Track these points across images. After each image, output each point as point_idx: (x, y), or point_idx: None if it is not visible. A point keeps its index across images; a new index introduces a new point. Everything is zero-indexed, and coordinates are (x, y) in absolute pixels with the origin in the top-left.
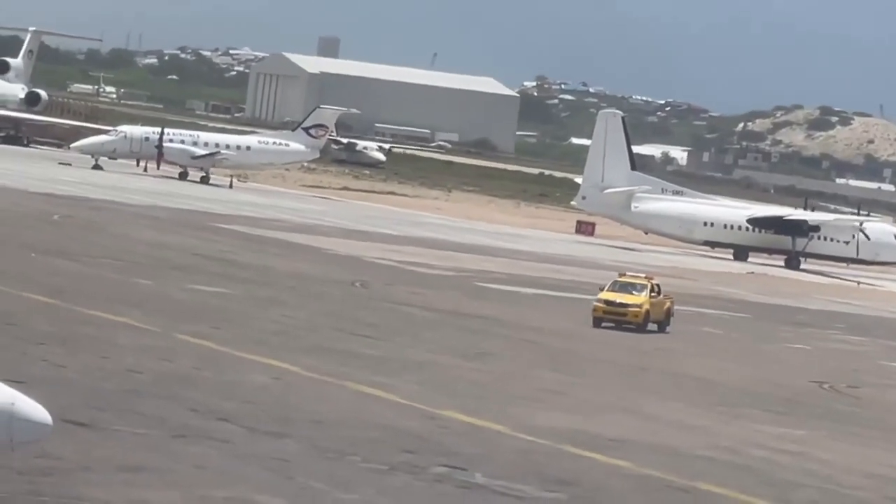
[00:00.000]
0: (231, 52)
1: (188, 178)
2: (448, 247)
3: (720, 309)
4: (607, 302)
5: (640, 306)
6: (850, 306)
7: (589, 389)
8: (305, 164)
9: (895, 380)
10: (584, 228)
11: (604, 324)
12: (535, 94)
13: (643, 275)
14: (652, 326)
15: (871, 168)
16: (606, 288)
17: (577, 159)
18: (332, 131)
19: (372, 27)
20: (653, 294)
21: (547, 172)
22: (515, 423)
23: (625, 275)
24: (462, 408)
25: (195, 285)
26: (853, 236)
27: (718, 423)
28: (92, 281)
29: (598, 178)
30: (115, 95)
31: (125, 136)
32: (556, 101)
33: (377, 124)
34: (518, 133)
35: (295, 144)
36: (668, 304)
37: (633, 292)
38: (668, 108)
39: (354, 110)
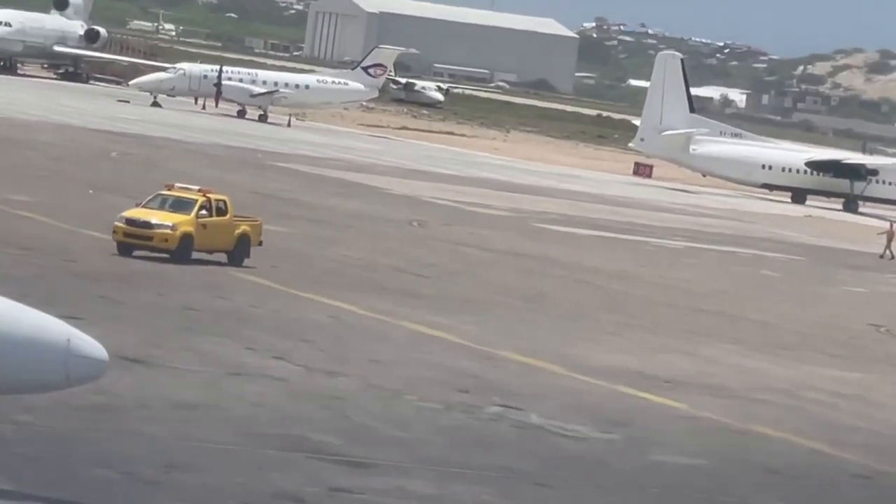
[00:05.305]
0: None
1: (246, 117)
2: (505, 187)
3: (778, 252)
4: (130, 221)
5: (173, 228)
6: None
7: (645, 331)
8: (364, 103)
9: None
10: (642, 170)
11: (135, 252)
12: (595, 35)
13: (197, 187)
14: (220, 257)
15: None
16: (142, 203)
17: (635, 101)
18: (390, 71)
19: None
20: (204, 213)
21: (605, 114)
22: (571, 363)
23: (172, 187)
24: (518, 348)
25: None
26: None
27: (774, 365)
28: None
29: (656, 121)
30: (174, 33)
31: (184, 74)
32: (614, 42)
33: (436, 64)
34: (577, 74)
35: (354, 84)
36: (242, 229)
37: (175, 210)
38: (727, 51)
39: (413, 50)
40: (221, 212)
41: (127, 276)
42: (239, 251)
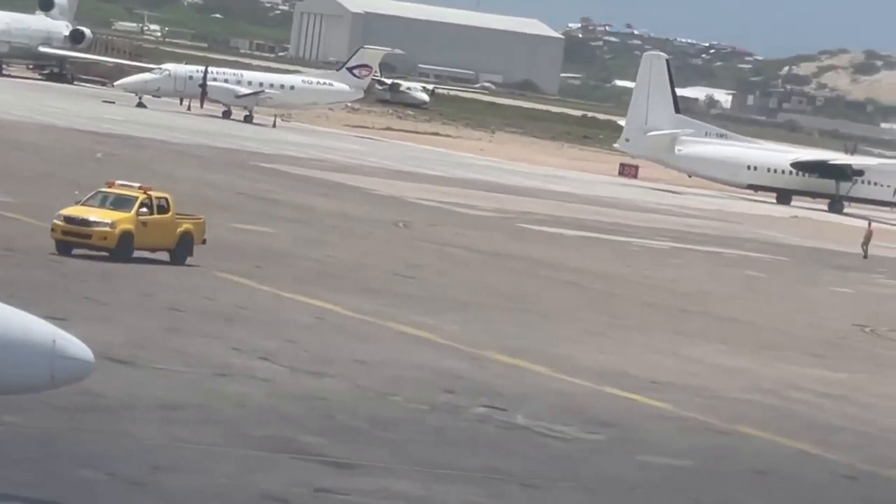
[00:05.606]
0: None
1: (231, 117)
2: (491, 188)
3: (763, 252)
4: (69, 219)
5: (112, 226)
6: (893, 251)
7: (630, 331)
8: (349, 104)
9: None
10: (628, 171)
11: (75, 250)
12: (580, 35)
13: (137, 185)
14: (162, 255)
15: None
16: (82, 201)
17: (620, 101)
18: (375, 71)
19: None
20: (145, 211)
21: (590, 114)
22: (556, 364)
23: (113, 184)
24: (503, 349)
25: (238, 224)
26: None
27: (760, 365)
28: None
29: (641, 121)
30: (159, 33)
31: (169, 75)
32: (600, 42)
33: (421, 65)
34: (562, 75)
35: (339, 84)
36: (184, 227)
37: (116, 207)
38: (712, 51)
39: (398, 51)
40: (163, 209)
41: (112, 277)
42: (181, 249)
